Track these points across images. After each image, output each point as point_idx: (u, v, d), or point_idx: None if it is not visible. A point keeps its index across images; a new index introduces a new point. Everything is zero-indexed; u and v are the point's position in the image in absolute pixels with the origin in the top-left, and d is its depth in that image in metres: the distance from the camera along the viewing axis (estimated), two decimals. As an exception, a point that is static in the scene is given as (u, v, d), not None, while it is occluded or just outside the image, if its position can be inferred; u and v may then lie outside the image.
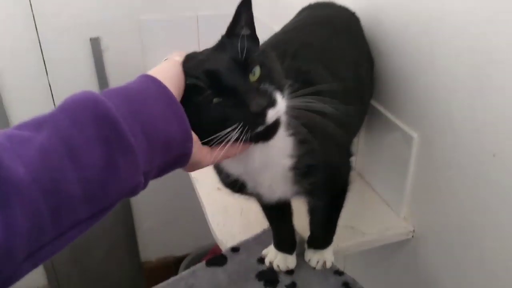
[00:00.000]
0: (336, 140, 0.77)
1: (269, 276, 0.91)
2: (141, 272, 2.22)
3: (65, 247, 0.46)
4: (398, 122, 1.02)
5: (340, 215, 0.91)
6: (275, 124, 0.59)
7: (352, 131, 0.95)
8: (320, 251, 0.94)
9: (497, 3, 0.72)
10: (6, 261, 0.39)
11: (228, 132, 0.56)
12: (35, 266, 0.44)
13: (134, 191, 0.50)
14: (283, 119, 0.62)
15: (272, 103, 0.57)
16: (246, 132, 0.56)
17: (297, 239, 0.97)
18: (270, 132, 0.59)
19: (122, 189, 0.48)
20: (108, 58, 1.72)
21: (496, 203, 0.80)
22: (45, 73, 1.66)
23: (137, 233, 2.15)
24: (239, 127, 0.56)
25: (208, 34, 1.79)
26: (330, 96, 0.70)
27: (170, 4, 1.73)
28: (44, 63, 1.65)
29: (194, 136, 0.56)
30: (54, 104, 1.72)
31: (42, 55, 1.63)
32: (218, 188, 1.00)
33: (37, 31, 1.59)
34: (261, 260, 0.95)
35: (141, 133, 0.49)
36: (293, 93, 0.62)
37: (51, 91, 1.69)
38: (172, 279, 0.92)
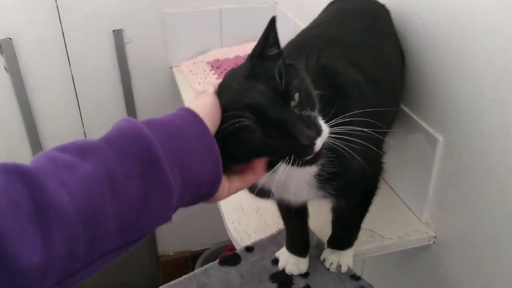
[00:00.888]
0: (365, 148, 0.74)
1: (283, 278, 0.89)
2: (158, 265, 2.22)
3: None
4: (423, 123, 0.98)
5: (364, 218, 0.89)
6: (320, 150, 0.58)
7: (384, 134, 0.92)
8: (338, 252, 0.91)
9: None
10: (38, 286, 0.40)
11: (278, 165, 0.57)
12: None
13: (162, 224, 0.51)
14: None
15: (319, 132, 0.57)
16: (296, 162, 0.57)
17: (314, 241, 0.95)
18: (316, 157, 0.59)
19: (153, 224, 0.49)
20: (131, 51, 1.72)
21: (525, 212, 0.76)
22: (68, 65, 1.67)
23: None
24: (290, 159, 0.56)
25: (231, 28, 1.77)
26: (364, 113, 0.70)
27: (194, -3, 1.72)
28: (67, 54, 1.65)
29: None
30: (77, 96, 1.72)
31: (66, 47, 1.64)
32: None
33: (60, 23, 1.59)
34: (276, 261, 0.93)
35: (178, 173, 0.50)
36: (329, 120, 0.62)
37: (73, 82, 1.70)
38: (184, 277, 0.91)
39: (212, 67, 1.68)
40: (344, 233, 0.92)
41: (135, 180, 0.46)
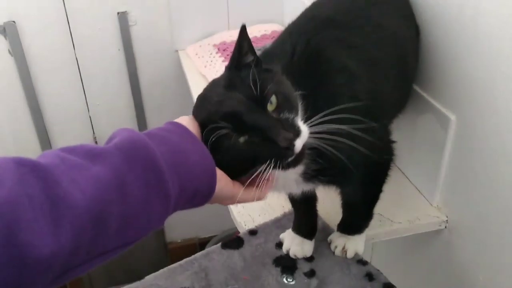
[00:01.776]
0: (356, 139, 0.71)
1: (287, 262, 0.86)
2: (166, 252, 2.21)
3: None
4: (434, 102, 0.94)
5: (374, 205, 0.86)
6: (302, 151, 0.59)
7: (390, 114, 0.88)
8: (345, 236, 0.88)
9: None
10: (43, 277, 0.41)
11: (260, 168, 0.58)
12: (55, 285, 0.45)
13: (156, 229, 0.54)
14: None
15: (297, 133, 0.58)
16: (278, 166, 0.58)
17: (320, 225, 0.91)
18: (298, 158, 0.60)
19: (149, 228, 0.52)
20: (136, 34, 1.68)
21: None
22: (73, 48, 1.64)
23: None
24: (271, 163, 0.57)
25: (239, 9, 1.73)
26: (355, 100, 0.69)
27: (200, -21, 1.67)
28: (72, 37, 1.62)
29: (222, 175, 0.59)
30: (81, 78, 1.70)
31: (70, 30, 1.61)
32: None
33: (64, 5, 1.56)
34: (280, 245, 0.90)
35: (177, 184, 0.53)
36: (311, 117, 0.62)
37: (78, 66, 1.67)
38: (185, 260, 0.88)
39: (218, 50, 1.64)
40: (353, 219, 0.89)
41: (140, 186, 0.49)
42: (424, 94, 0.96)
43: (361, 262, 0.86)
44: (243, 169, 0.60)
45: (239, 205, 1.00)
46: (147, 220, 0.50)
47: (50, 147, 1.78)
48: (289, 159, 0.58)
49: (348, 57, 0.76)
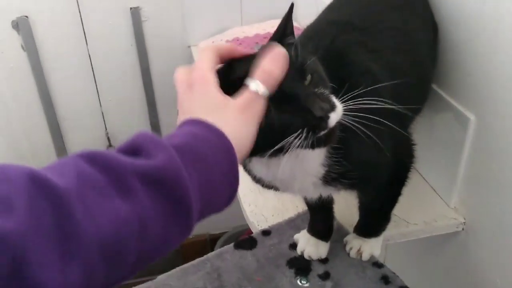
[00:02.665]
0: (385, 137, 0.69)
1: (301, 264, 0.85)
2: (176, 248, 2.21)
3: None
4: (452, 101, 0.91)
5: (392, 209, 0.85)
6: (334, 128, 0.56)
7: (410, 118, 0.86)
8: (361, 238, 0.86)
9: None
10: None
11: (292, 139, 0.54)
12: None
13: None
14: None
15: (332, 106, 0.55)
16: (310, 138, 0.54)
17: (335, 225, 0.90)
18: (330, 136, 0.57)
19: (164, 254, 0.48)
20: (148, 29, 1.67)
21: None
22: (85, 43, 1.64)
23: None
24: (303, 134, 0.54)
25: (252, 4, 1.71)
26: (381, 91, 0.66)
27: (213, -26, 1.66)
28: (84, 32, 1.62)
29: None
30: (94, 75, 1.69)
31: (82, 25, 1.60)
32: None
33: (77, 0, 1.56)
34: (294, 245, 0.88)
35: (200, 212, 0.48)
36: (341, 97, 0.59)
37: (90, 61, 1.67)
38: (197, 260, 0.87)
39: (231, 45, 1.63)
40: (369, 221, 0.87)
41: (165, 226, 0.45)
42: (443, 94, 0.94)
43: (377, 264, 0.85)
44: (271, 141, 0.56)
45: (252, 204, 0.99)
46: (164, 251, 0.47)
47: (63, 142, 1.78)
48: (321, 133, 0.55)
49: (370, 61, 0.75)
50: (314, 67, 0.59)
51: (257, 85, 0.53)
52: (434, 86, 0.96)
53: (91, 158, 0.43)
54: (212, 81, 0.54)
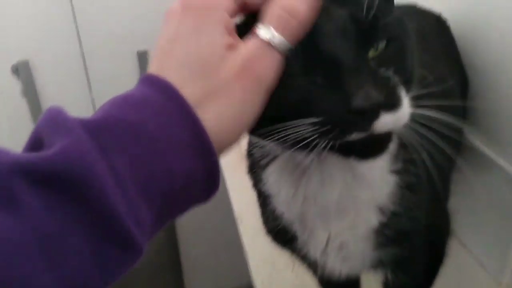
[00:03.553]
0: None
1: None
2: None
3: None
4: (499, 160, 0.79)
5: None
6: (386, 138, 0.37)
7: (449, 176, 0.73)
8: None
9: None
10: None
11: (300, 127, 0.35)
12: None
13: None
14: (396, 136, 0.40)
15: (392, 102, 0.35)
16: (328, 134, 0.35)
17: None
18: (374, 147, 0.37)
19: (115, 279, 0.34)
20: (156, 74, 1.60)
21: None
22: (89, 89, 1.58)
23: (183, 263, 2.01)
24: (320, 125, 0.35)
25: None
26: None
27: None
28: (88, 78, 1.56)
29: None
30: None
31: (86, 70, 1.55)
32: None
33: (80, 43, 1.50)
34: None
35: (144, 201, 0.33)
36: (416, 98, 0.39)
37: (94, 109, 1.60)
38: None
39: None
40: None
41: (80, 238, 0.30)
42: (486, 150, 0.82)
43: None
44: (281, 115, 0.37)
45: (265, 281, 0.85)
46: (100, 281, 0.32)
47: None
48: (355, 136, 0.35)
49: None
50: (394, 31, 0.39)
51: (270, 32, 0.35)
52: (476, 142, 0.84)
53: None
54: (220, 9, 0.37)
